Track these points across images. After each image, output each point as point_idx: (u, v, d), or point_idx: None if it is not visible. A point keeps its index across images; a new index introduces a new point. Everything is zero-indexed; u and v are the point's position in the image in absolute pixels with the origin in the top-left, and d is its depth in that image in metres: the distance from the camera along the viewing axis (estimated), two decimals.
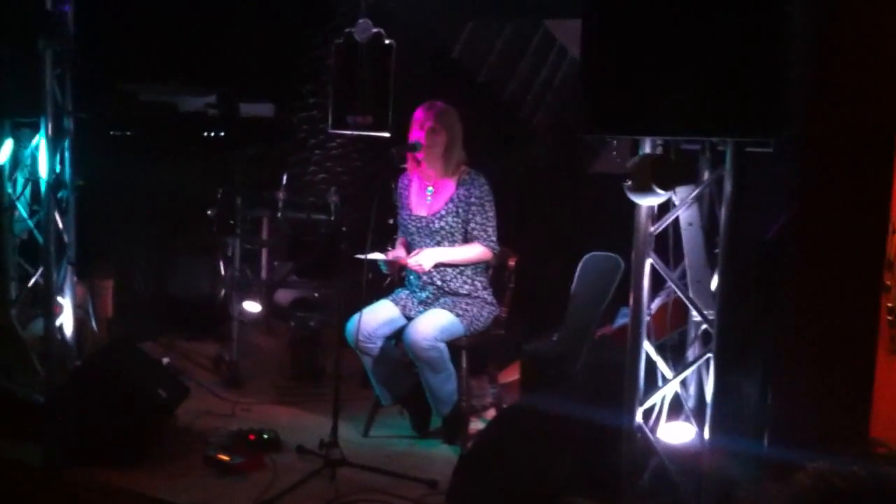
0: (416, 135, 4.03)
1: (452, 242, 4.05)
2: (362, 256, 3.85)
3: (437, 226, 4.05)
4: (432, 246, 4.06)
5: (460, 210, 4.03)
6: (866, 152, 2.74)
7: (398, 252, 4.15)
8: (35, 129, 4.23)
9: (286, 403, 4.65)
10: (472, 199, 4.02)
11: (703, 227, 3.11)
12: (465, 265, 4.07)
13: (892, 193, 2.69)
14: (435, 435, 4.19)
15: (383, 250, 4.12)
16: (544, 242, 4.94)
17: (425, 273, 4.02)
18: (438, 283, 4.07)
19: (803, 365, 2.88)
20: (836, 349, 2.81)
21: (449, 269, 4.06)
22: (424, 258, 3.97)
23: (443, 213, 4.05)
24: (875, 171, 2.72)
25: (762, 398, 3.23)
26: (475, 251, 4.02)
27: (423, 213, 4.11)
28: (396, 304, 4.11)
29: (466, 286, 4.08)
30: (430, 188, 4.12)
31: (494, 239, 4.05)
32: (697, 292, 3.11)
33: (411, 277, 4.18)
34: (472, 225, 4.02)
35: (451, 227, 4.04)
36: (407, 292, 4.18)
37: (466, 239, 4.05)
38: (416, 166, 4.12)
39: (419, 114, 4.05)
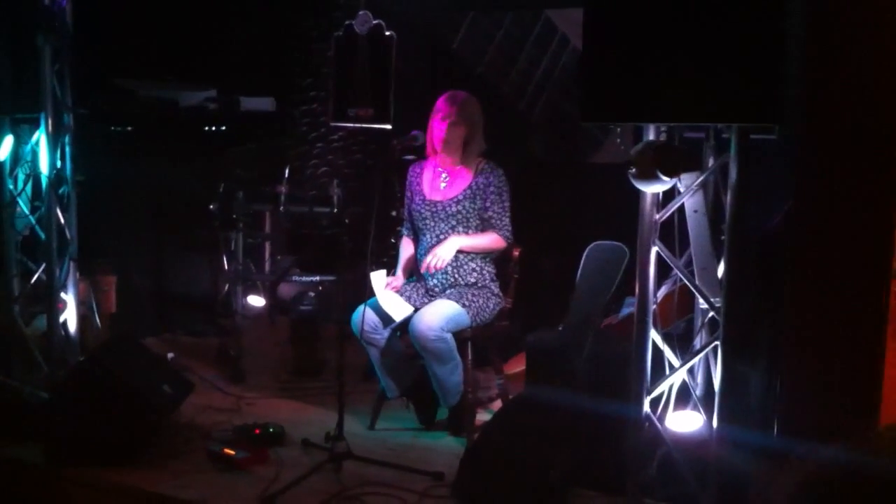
0: (437, 126, 4.03)
1: (467, 228, 4.05)
2: (373, 275, 4.01)
3: (453, 209, 4.05)
4: (447, 230, 4.06)
5: (477, 197, 4.05)
6: (870, 137, 2.71)
7: (398, 280, 4.19)
8: (35, 126, 4.21)
9: (289, 397, 4.64)
10: (491, 188, 4.03)
11: (708, 215, 3.09)
12: (478, 253, 4.07)
13: None
14: (441, 427, 4.18)
15: (386, 265, 4.23)
16: (548, 233, 4.92)
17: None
18: (449, 269, 4.05)
19: (809, 354, 2.85)
20: (842, 337, 2.78)
21: (460, 255, 4.05)
22: (445, 249, 3.97)
23: (460, 197, 4.06)
24: (880, 155, 2.70)
25: (769, 388, 3.20)
26: (490, 238, 4.05)
27: (437, 198, 4.11)
28: (402, 294, 4.09)
29: (474, 274, 4.07)
30: (445, 174, 4.12)
31: (510, 229, 4.06)
32: (704, 280, 3.09)
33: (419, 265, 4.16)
34: (489, 213, 4.04)
35: (468, 211, 4.05)
36: (412, 282, 4.16)
37: (481, 226, 4.05)
38: (433, 154, 4.11)
39: (441, 104, 4.04)
